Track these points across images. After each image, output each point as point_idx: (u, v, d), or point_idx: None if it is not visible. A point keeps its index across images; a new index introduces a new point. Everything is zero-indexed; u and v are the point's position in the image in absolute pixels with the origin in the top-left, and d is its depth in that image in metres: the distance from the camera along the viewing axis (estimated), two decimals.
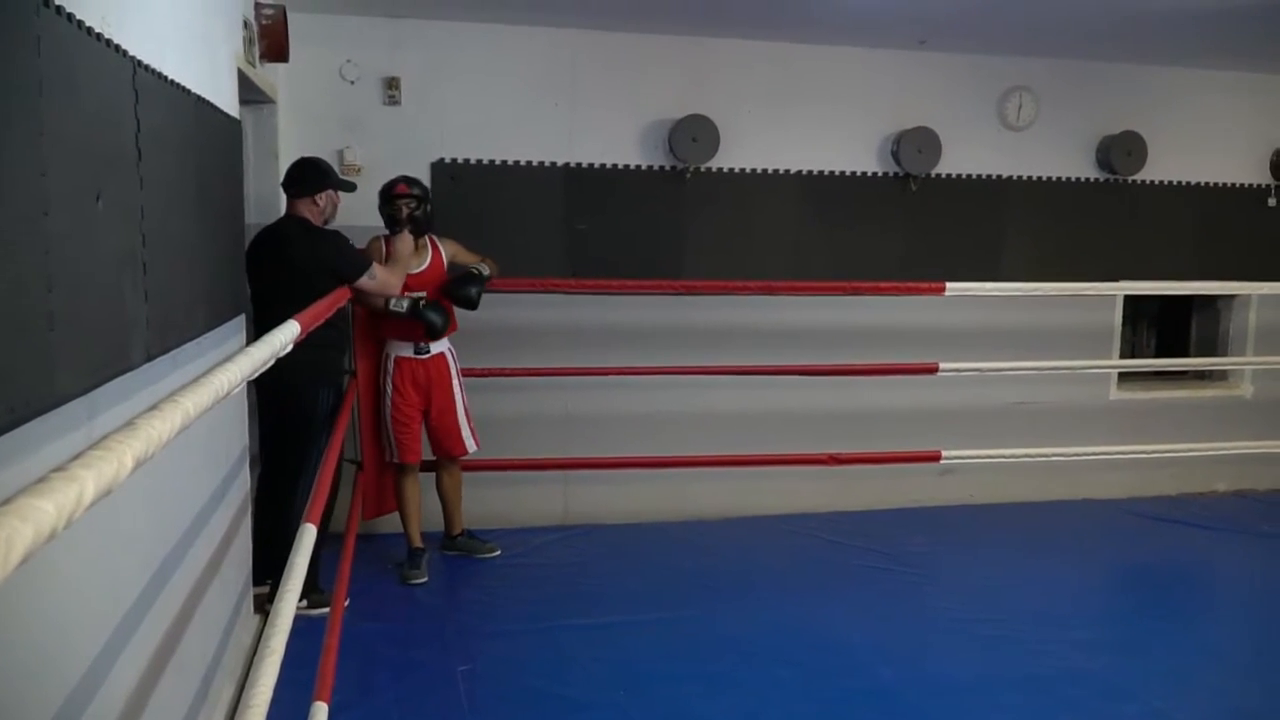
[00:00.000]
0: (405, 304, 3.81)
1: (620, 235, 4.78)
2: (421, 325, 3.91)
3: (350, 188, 3.71)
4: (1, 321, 1.17)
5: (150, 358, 1.85)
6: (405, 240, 3.94)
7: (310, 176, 3.60)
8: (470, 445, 4.19)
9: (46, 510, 0.63)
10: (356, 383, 4.09)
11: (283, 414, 3.60)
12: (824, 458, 4.61)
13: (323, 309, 2.42)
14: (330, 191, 3.64)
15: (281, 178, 3.83)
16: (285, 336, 1.65)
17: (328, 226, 3.65)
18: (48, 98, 1.33)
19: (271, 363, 1.48)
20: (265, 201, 4.13)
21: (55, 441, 1.41)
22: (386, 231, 3.99)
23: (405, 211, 3.89)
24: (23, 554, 0.58)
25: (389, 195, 3.93)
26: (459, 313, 4.14)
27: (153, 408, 0.96)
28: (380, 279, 3.69)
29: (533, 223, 4.70)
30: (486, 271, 4.07)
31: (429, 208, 3.96)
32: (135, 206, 1.76)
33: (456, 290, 4.03)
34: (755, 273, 4.71)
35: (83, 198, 1.48)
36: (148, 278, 1.82)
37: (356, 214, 4.11)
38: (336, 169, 4.02)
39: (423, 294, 3.93)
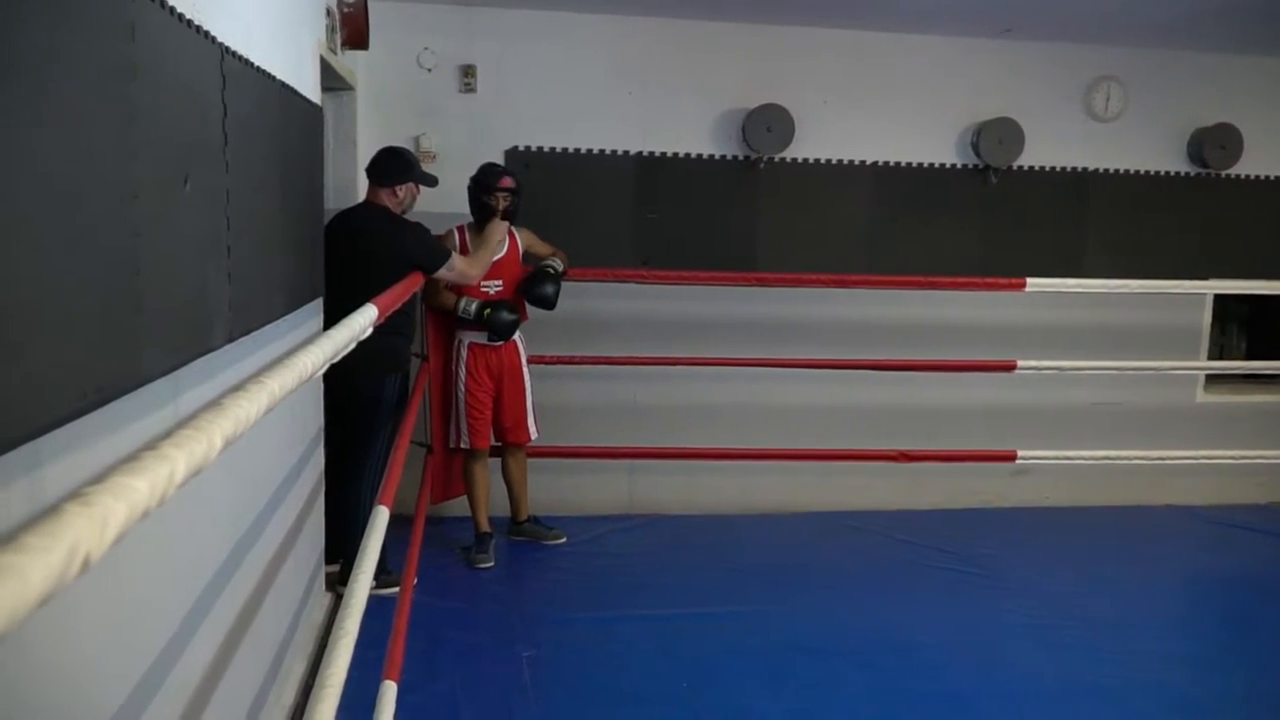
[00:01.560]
0: (474, 307, 3.85)
1: (692, 225, 4.79)
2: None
3: (432, 182, 3.72)
4: (91, 303, 1.19)
5: (232, 339, 1.88)
6: (498, 227, 3.95)
7: (395, 167, 3.63)
8: (534, 433, 4.24)
9: (139, 489, 0.64)
10: (429, 367, 4.13)
11: (347, 399, 3.62)
12: (894, 454, 4.57)
13: (399, 293, 2.43)
14: (411, 184, 3.68)
15: (361, 164, 3.89)
16: (364, 320, 1.65)
17: (405, 217, 3.68)
18: (140, 83, 1.34)
19: (352, 346, 1.49)
20: (343, 187, 4.18)
21: (142, 419, 1.43)
22: (462, 222, 4.04)
23: (504, 204, 3.94)
24: (117, 532, 0.59)
25: (491, 186, 3.95)
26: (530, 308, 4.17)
27: (239, 388, 0.96)
28: (459, 269, 3.70)
29: (604, 211, 4.73)
30: (561, 268, 4.10)
31: (519, 200, 4.01)
32: (221, 190, 1.78)
33: (534, 290, 4.05)
34: (828, 265, 4.67)
35: (171, 182, 1.49)
36: (231, 261, 1.84)
37: (433, 201, 4.12)
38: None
39: (493, 294, 3.96)
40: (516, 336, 4.14)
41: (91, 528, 0.56)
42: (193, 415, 0.84)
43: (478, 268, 3.85)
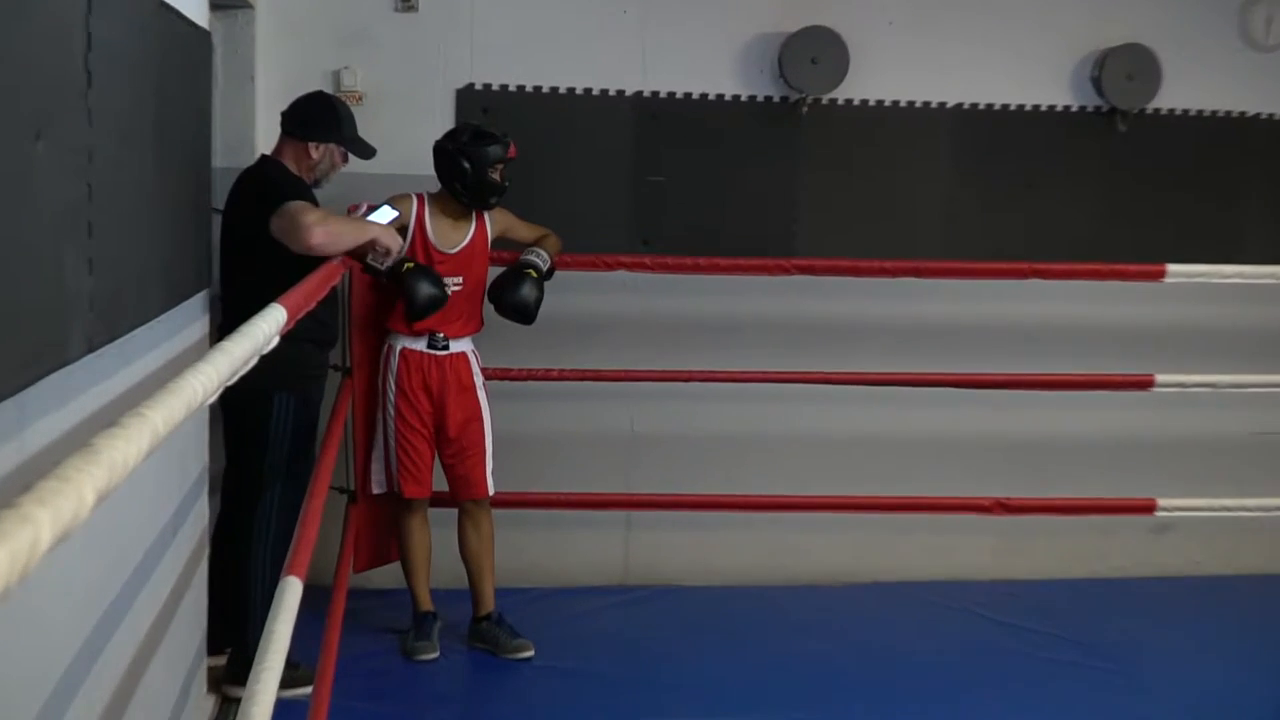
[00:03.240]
0: (388, 263, 3.78)
1: (710, 192, 4.78)
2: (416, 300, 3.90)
3: (367, 152, 3.80)
4: None
5: (94, 348, 1.90)
6: (403, 199, 4.04)
7: (321, 119, 3.71)
8: (490, 484, 4.24)
9: None
10: (353, 384, 4.16)
11: (234, 428, 3.68)
12: (989, 504, 4.58)
13: (314, 288, 2.47)
14: (334, 147, 3.75)
15: (262, 109, 4.11)
16: (269, 326, 1.68)
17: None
18: None
19: (255, 360, 1.54)
20: (237, 140, 4.25)
21: None
22: (424, 191, 4.15)
23: (501, 180, 4.07)
24: None
25: (491, 156, 4.03)
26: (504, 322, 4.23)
27: (115, 425, 0.98)
28: (331, 228, 3.47)
29: (590, 174, 4.73)
30: (547, 262, 4.18)
31: None
32: (82, 148, 1.80)
33: (508, 295, 4.10)
34: (893, 247, 4.68)
35: (19, 137, 1.50)
36: (93, 242, 1.86)
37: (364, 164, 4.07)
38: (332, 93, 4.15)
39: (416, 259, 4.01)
40: (470, 350, 4.20)
41: None
42: (59, 462, 0.85)
43: (356, 232, 3.65)
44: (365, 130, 3.98)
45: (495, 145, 4.05)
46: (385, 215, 3.86)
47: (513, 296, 4.09)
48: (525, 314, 4.11)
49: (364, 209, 3.97)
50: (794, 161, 4.86)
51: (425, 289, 3.87)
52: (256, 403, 3.57)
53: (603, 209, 4.77)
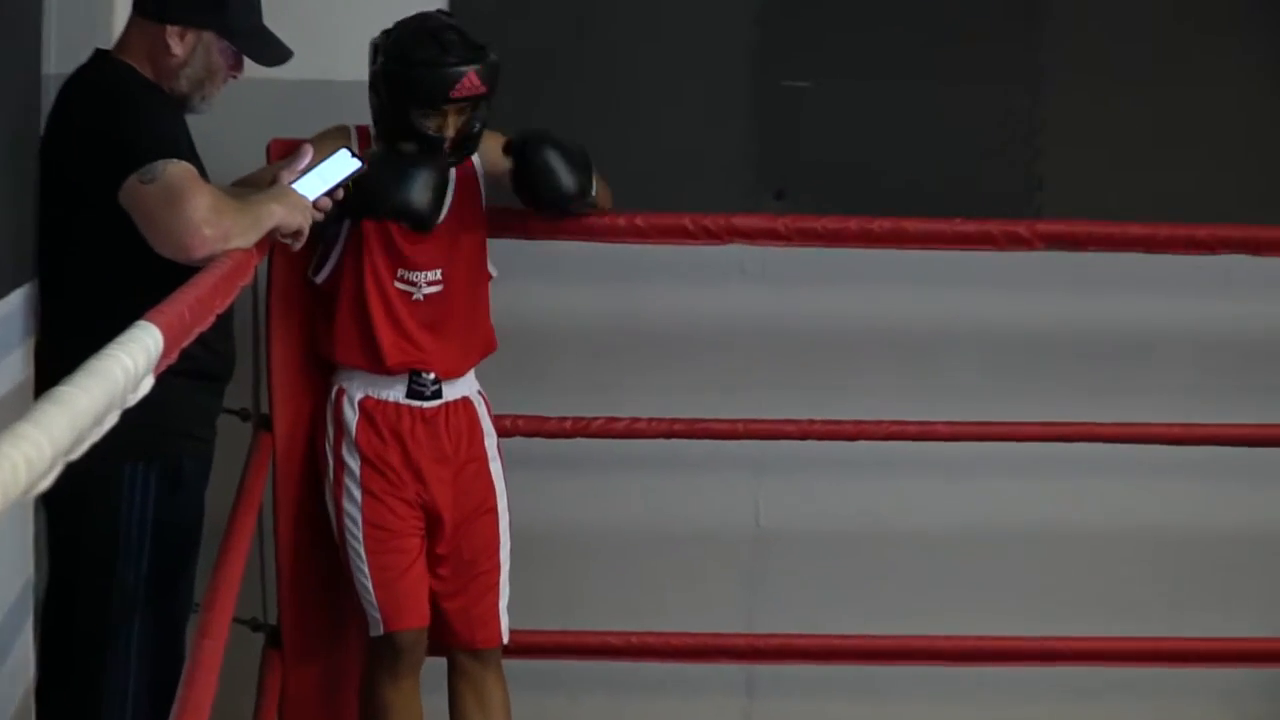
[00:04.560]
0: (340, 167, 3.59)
1: (888, 110, 4.57)
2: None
3: (269, 53, 3.63)
4: None
5: None
6: (326, 142, 3.78)
7: None
8: (505, 626, 4.06)
9: None
10: (272, 444, 3.98)
11: (58, 527, 3.50)
12: None
13: (206, 292, 2.37)
14: (213, 38, 3.53)
15: None
16: (135, 360, 1.53)
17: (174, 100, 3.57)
18: None
19: (113, 422, 1.39)
20: (85, 29, 4.02)
21: None
22: (365, 124, 3.99)
23: (456, 129, 3.88)
24: None
25: (416, 89, 3.85)
26: (510, 311, 4.11)
27: None
28: (197, 210, 3.27)
29: (683, 79, 4.53)
30: (591, 184, 3.99)
31: (487, 110, 3.98)
32: None
33: (527, 155, 3.89)
34: (1194, 204, 4.44)
35: None
36: None
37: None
38: None
39: (423, 294, 3.96)
40: (475, 391, 4.01)
41: None
42: None
43: (250, 217, 3.41)
44: (288, 16, 3.81)
45: (435, 72, 3.81)
46: (341, 167, 3.59)
47: (533, 155, 3.89)
48: (553, 185, 3.88)
49: (305, 158, 3.66)
50: (1033, 58, 4.59)
51: (406, 184, 3.81)
52: (92, 482, 3.25)
53: (702, 140, 4.54)
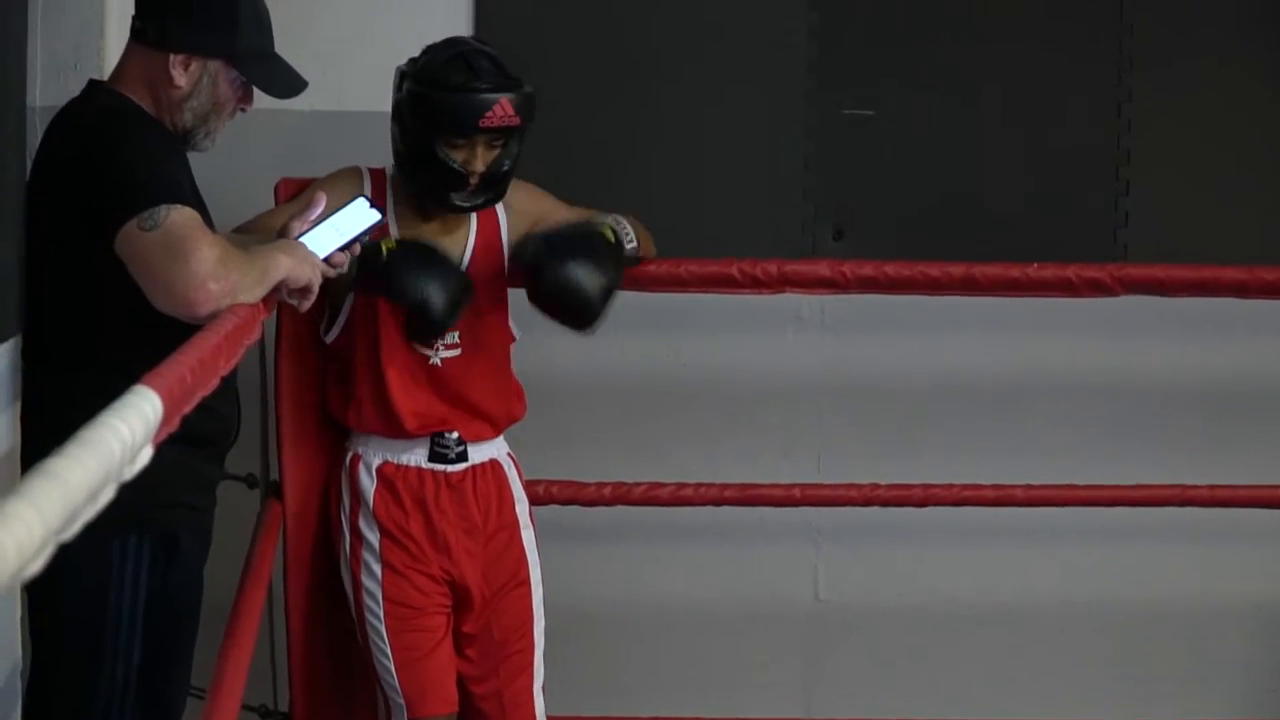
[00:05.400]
0: (335, 273, 3.46)
1: (956, 141, 4.49)
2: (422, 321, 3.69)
3: (283, 85, 3.51)
4: None
5: None
6: (334, 184, 3.70)
7: (201, 9, 3.46)
8: (541, 711, 3.95)
9: None
10: (282, 513, 3.88)
11: (40, 611, 3.33)
12: None
13: (209, 354, 2.30)
14: (221, 65, 3.40)
15: (114, 9, 4.05)
16: (133, 429, 1.52)
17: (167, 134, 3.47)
18: None
19: (110, 494, 1.37)
20: (71, 58, 4.07)
21: None
22: (383, 166, 3.89)
23: (484, 167, 3.74)
24: None
25: (442, 118, 3.72)
26: (543, 355, 4.06)
27: None
28: (203, 263, 3.17)
29: (732, 108, 4.48)
30: (631, 238, 3.85)
31: (520, 145, 3.84)
32: None
33: (552, 269, 3.73)
34: None
35: None
36: None
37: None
38: None
39: (440, 357, 3.86)
40: (504, 454, 3.92)
41: None
42: None
43: (251, 275, 3.29)
44: (302, 44, 3.84)
45: (464, 97, 3.67)
46: (357, 218, 3.45)
47: (562, 270, 3.70)
48: (579, 304, 3.72)
49: (318, 208, 3.54)
50: (1118, 84, 4.52)
51: (428, 281, 3.68)
52: (76, 559, 2.82)
53: (753, 175, 4.47)
